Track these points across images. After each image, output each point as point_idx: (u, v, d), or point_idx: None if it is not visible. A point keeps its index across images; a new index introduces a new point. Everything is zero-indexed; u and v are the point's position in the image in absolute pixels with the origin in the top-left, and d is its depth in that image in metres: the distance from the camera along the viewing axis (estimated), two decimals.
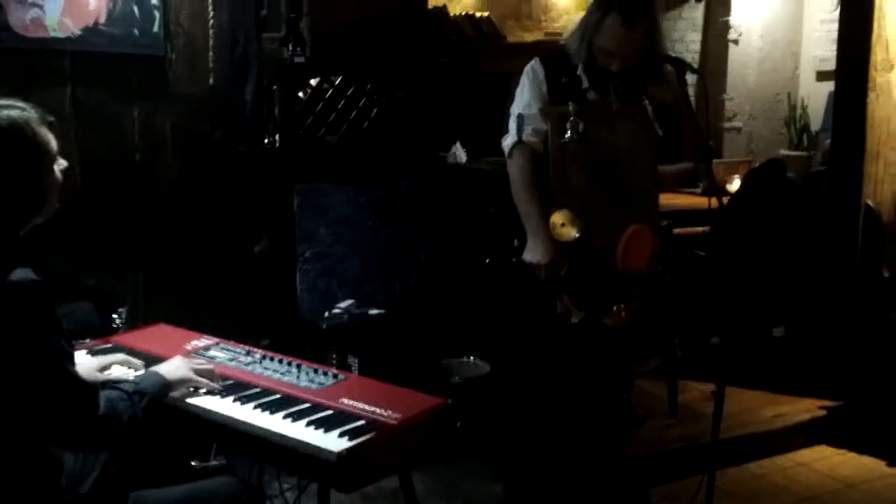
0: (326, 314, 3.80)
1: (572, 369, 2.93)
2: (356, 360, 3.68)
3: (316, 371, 2.22)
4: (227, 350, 2.39)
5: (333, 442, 1.82)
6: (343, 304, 3.86)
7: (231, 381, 2.17)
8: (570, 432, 3.02)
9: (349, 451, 1.78)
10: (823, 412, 4.17)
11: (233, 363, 2.30)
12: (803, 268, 4.31)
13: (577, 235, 2.77)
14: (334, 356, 3.66)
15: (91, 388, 1.73)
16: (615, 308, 2.82)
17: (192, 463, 2.87)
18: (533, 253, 2.77)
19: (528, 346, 2.96)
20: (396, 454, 1.92)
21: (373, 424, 1.91)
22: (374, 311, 3.81)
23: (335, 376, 2.19)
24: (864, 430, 4.04)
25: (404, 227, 4.17)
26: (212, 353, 2.37)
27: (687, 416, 4.07)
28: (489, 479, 3.35)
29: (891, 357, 3.99)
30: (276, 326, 3.94)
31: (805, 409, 4.21)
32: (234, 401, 2.05)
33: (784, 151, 5.78)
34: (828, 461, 3.95)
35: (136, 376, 1.99)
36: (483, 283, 3.93)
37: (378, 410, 1.96)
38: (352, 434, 1.85)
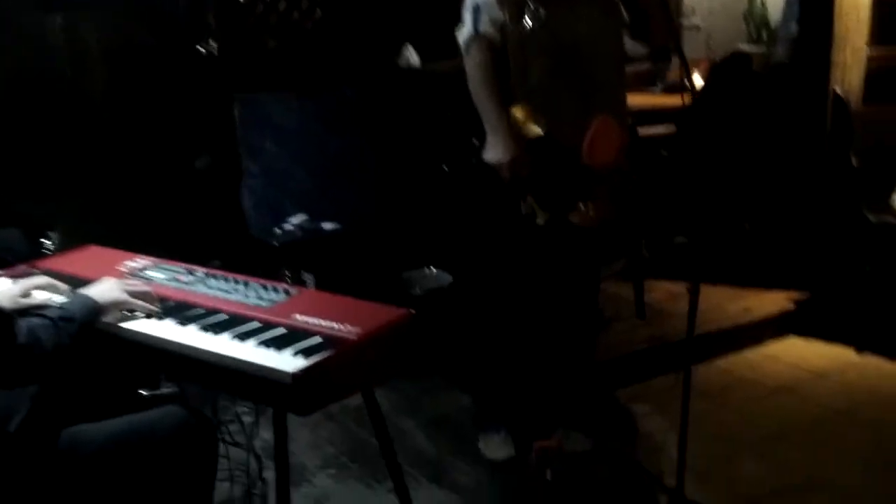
0: (278, 231, 3.60)
1: (538, 273, 2.80)
2: (312, 278, 3.51)
3: (266, 287, 2.04)
4: (166, 270, 2.19)
5: (287, 362, 1.66)
6: (295, 220, 3.66)
7: (171, 303, 1.98)
8: (536, 338, 2.91)
9: (305, 370, 1.62)
10: (791, 304, 4.13)
11: (172, 283, 2.10)
12: (771, 161, 4.20)
13: (539, 131, 2.59)
14: (288, 275, 3.48)
15: (3, 317, 1.54)
16: (582, 206, 2.67)
17: (142, 392, 2.71)
18: (494, 151, 2.59)
19: (491, 252, 2.81)
20: (357, 371, 1.76)
21: (330, 341, 1.74)
22: (328, 226, 3.62)
23: (287, 292, 2.01)
24: (832, 320, 4.00)
25: (355, 136, 3.95)
26: (149, 273, 2.17)
27: (654, 317, 3.99)
28: (456, 392, 3.25)
29: (858, 247, 3.93)
30: (225, 247, 3.73)
31: (773, 301, 4.16)
32: (176, 323, 1.87)
33: (743, 46, 5.60)
34: (797, 352, 3.91)
35: (63, 302, 1.80)
36: (442, 190, 3.76)
37: (335, 326, 1.80)
38: (307, 352, 1.69)
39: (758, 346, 3.98)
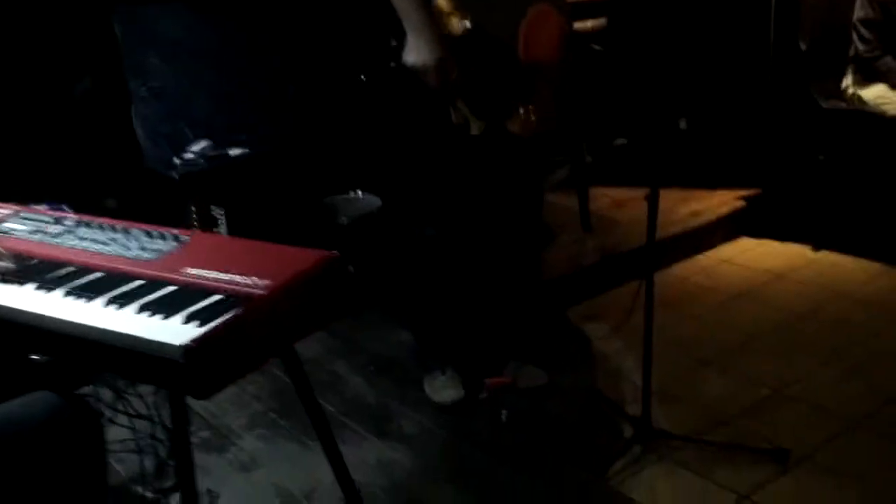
0: (177, 161, 3.16)
1: (475, 190, 2.47)
2: (223, 213, 3.11)
3: (151, 234, 1.65)
4: (29, 220, 1.78)
5: (178, 331, 1.30)
6: (195, 147, 3.22)
7: (34, 261, 1.59)
8: (478, 263, 2.60)
9: (201, 341, 1.26)
10: (741, 203, 3.91)
11: (37, 236, 1.70)
12: (711, 49, 3.89)
13: (467, 25, 2.22)
14: (195, 211, 3.08)
15: None
16: (522, 111, 2.32)
17: (34, 357, 2.32)
18: (416, 53, 2.20)
19: (421, 170, 2.45)
20: (271, 334, 1.42)
21: (233, 299, 1.39)
22: (235, 152, 3.20)
23: (177, 238, 1.63)
24: (785, 217, 3.80)
25: (259, 47, 3.48)
26: (6, 225, 1.76)
27: (599, 227, 3.72)
28: (394, 328, 2.93)
29: (810, 136, 3.69)
30: (119, 184, 3.29)
31: (721, 202, 3.93)
32: (37, 288, 1.48)
33: None
34: (751, 253, 3.71)
35: None
36: (362, 102, 3.36)
37: (239, 279, 1.44)
38: (203, 316, 1.33)
39: (710, 251, 3.76)
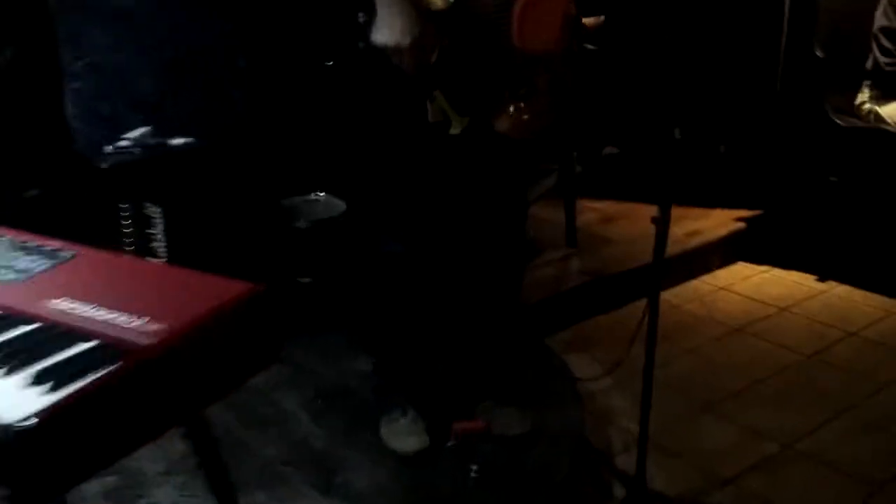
0: (108, 149, 2.74)
1: (452, 200, 2.08)
2: (159, 212, 2.69)
3: (23, 247, 1.25)
4: None
5: (17, 398, 0.90)
6: (133, 134, 2.79)
7: None
8: (450, 284, 2.21)
9: (49, 415, 0.86)
10: (741, 224, 3.56)
11: None
12: (717, 53, 3.54)
13: None
14: (125, 208, 2.65)
15: None
16: (512, 108, 1.93)
17: None
18: (389, 32, 1.81)
19: (390, 175, 2.07)
20: (167, 398, 1.02)
21: (111, 349, 0.99)
22: (178, 141, 2.78)
23: (55, 254, 1.23)
24: (788, 242, 3.46)
25: (213, 21, 3.06)
26: None
27: (586, 245, 3.35)
28: (356, 353, 2.53)
29: (821, 154, 3.35)
30: (45, 171, 2.86)
31: (719, 222, 3.58)
32: None
33: None
34: (751, 281, 3.36)
35: None
36: (327, 92, 2.97)
37: (124, 319, 1.04)
38: (61, 375, 0.93)
39: (705, 276, 3.41)
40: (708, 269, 3.41)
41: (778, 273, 3.40)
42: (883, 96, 3.28)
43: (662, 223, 1.97)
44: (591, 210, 3.68)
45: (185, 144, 2.78)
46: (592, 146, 3.92)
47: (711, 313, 3.09)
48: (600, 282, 3.09)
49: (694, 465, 2.25)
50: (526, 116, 1.86)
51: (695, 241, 3.41)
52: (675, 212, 3.69)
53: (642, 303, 3.14)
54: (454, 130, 1.85)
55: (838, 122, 3.29)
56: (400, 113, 1.93)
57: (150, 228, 2.69)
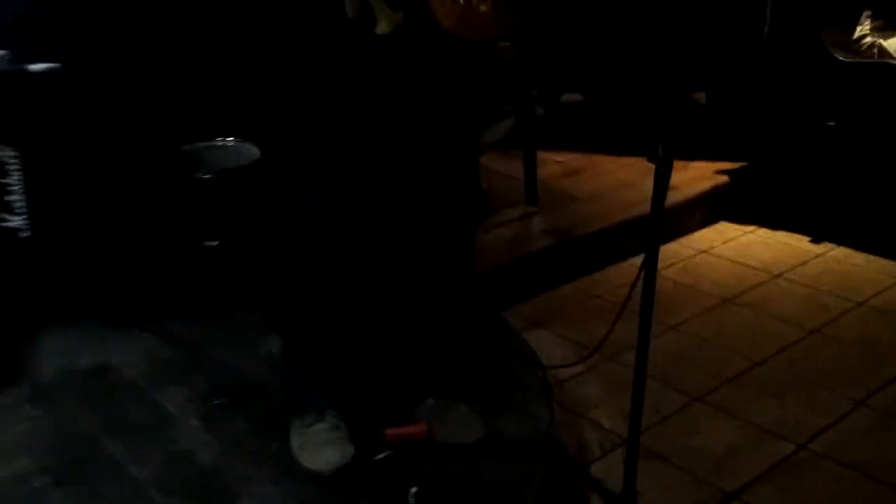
0: None
1: (380, 133, 1.56)
2: (15, 156, 2.12)
3: None
4: None
5: None
6: None
7: None
8: (381, 246, 1.71)
9: None
10: (723, 178, 3.11)
11: None
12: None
13: None
14: None
15: None
16: None
17: None
18: None
19: (294, 95, 1.53)
20: None
21: None
22: (39, 67, 2.20)
23: None
24: (777, 198, 3.02)
25: None
26: None
27: (548, 202, 2.87)
28: (265, 336, 2.00)
29: (818, 95, 2.91)
30: None
31: (699, 176, 3.12)
32: None
33: None
34: (736, 243, 2.92)
35: None
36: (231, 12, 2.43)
37: None
38: None
39: (683, 237, 2.96)
40: (687, 230, 2.97)
41: (766, 234, 2.97)
42: (887, 26, 2.85)
43: (665, 164, 1.49)
44: (553, 163, 3.20)
45: (48, 70, 2.20)
46: (553, 89, 3.43)
47: (696, 282, 2.64)
48: (565, 245, 2.62)
49: (687, 471, 1.81)
50: (483, 7, 1.33)
51: (672, 198, 2.93)
52: (647, 164, 3.24)
53: (615, 269, 2.75)
54: (381, 29, 1.32)
55: (838, 56, 2.84)
56: (310, 8, 1.40)
57: (2, 177, 2.12)
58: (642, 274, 1.58)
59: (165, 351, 1.97)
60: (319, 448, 1.60)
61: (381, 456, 1.60)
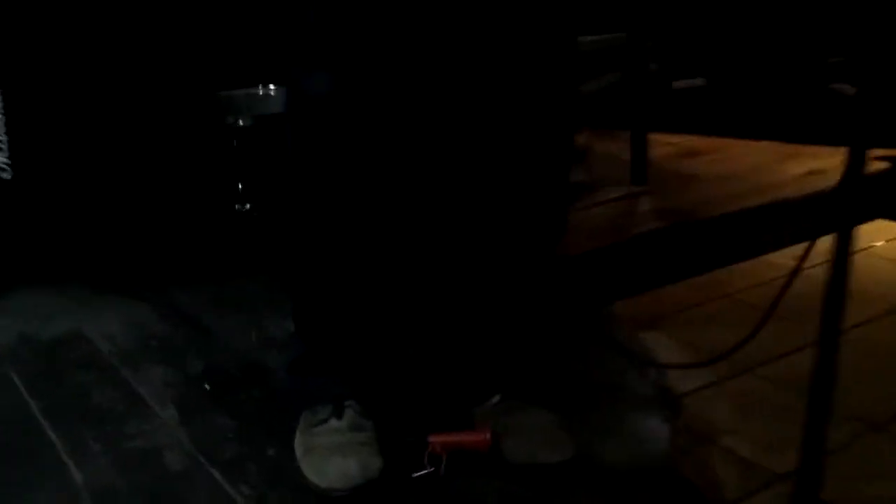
0: None
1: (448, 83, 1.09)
2: None
3: None
4: None
5: None
6: None
7: None
8: (444, 213, 1.24)
9: None
10: (882, 164, 2.52)
11: None
12: None
13: None
14: None
15: None
16: None
17: None
18: None
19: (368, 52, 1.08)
20: None
21: None
22: None
23: None
24: None
25: None
26: None
27: (659, 182, 2.34)
28: (272, 305, 1.53)
29: None
30: None
31: (842, 160, 2.53)
32: None
33: None
34: None
35: None
36: None
37: None
38: None
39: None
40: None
41: None
42: None
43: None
44: (666, 144, 2.67)
45: None
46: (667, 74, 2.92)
47: (856, 285, 2.04)
48: (680, 228, 2.07)
49: None
50: None
51: (819, 182, 2.37)
52: (788, 148, 2.68)
53: (746, 266, 2.20)
54: None
55: None
56: None
57: None
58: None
59: (157, 323, 1.52)
60: (332, 456, 1.10)
61: (420, 473, 1.09)
